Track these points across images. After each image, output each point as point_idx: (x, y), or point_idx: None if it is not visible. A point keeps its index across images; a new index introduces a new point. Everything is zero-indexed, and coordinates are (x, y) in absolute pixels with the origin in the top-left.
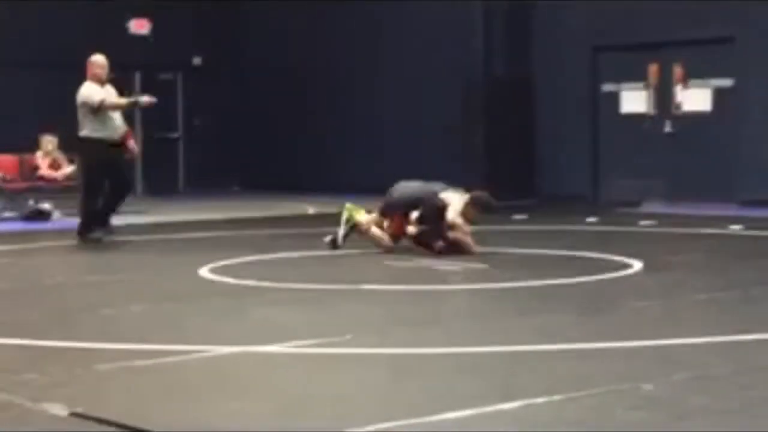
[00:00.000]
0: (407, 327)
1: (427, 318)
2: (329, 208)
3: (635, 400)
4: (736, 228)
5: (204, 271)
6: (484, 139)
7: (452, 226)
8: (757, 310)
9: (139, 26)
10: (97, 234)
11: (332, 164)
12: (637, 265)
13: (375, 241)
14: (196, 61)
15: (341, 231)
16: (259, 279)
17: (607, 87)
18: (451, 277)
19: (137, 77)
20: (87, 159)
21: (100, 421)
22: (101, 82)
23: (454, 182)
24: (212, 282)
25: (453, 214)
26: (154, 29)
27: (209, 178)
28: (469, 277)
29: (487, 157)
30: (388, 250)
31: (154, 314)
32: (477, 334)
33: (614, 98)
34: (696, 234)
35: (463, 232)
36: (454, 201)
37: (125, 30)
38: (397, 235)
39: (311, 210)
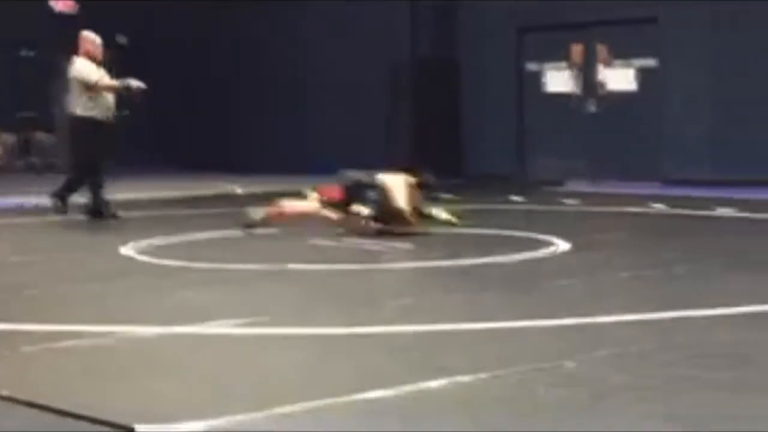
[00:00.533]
0: (331, 307)
1: (351, 298)
2: (259, 188)
3: (557, 377)
4: (659, 206)
5: (127, 251)
6: (411, 120)
7: (401, 214)
8: (680, 288)
9: (65, 6)
10: (63, 207)
11: (263, 145)
12: (562, 244)
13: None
14: (121, 39)
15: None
16: (182, 259)
17: (531, 66)
18: (377, 256)
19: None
20: (77, 137)
21: (27, 403)
22: (95, 60)
23: (380, 163)
24: (135, 261)
25: (403, 203)
26: (80, 7)
27: (140, 158)
28: (395, 256)
29: (413, 138)
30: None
31: (78, 295)
32: (402, 313)
33: (538, 78)
34: (620, 213)
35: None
36: (397, 186)
37: (50, 8)
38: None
39: (239, 190)
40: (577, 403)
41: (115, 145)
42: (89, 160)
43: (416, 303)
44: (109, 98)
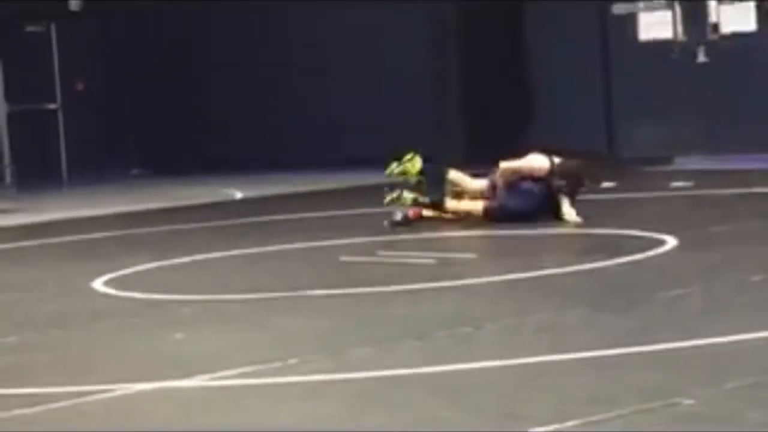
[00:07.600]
0: (370, 343)
1: (396, 330)
2: (265, 190)
3: (672, 420)
4: None
5: (98, 284)
6: (460, 86)
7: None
8: None
9: None
10: None
11: (266, 135)
12: (670, 240)
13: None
14: (74, 5)
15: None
16: (171, 291)
17: (619, 8)
18: (426, 272)
19: None
20: None
21: None
22: None
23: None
24: (110, 298)
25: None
26: None
27: (100, 160)
28: (451, 271)
29: (464, 110)
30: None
31: (38, 346)
32: (461, 346)
33: (629, 22)
34: (746, 195)
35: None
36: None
37: None
38: None
39: (239, 194)
40: None
41: None
42: None
43: (477, 332)
44: None
